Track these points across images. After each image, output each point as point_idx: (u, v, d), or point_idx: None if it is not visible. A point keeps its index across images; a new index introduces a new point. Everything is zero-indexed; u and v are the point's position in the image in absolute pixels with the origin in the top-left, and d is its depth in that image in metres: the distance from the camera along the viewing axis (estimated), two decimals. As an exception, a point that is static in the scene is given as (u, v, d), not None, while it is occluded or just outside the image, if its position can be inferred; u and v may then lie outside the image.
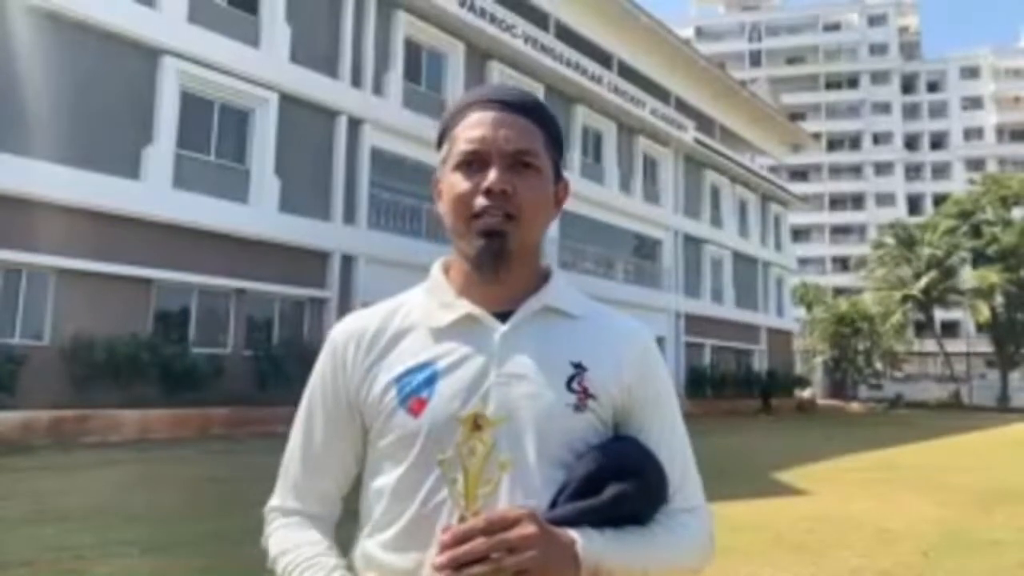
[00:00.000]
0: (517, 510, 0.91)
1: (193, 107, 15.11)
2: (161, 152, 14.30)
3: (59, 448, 11.16)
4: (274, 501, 1.13)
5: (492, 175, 1.03)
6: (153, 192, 13.96)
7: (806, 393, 39.11)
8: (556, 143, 1.13)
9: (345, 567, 1.04)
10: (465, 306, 1.07)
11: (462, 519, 0.90)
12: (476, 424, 0.91)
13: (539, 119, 1.10)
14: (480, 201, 1.03)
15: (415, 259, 17.56)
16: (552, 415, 1.01)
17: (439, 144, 1.13)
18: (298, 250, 16.32)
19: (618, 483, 0.97)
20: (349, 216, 17.52)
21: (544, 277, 1.13)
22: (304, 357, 15.80)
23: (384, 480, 1.05)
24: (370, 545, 1.04)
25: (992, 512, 8.53)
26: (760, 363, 34.25)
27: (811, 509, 8.34)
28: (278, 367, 14.97)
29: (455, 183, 1.06)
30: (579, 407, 1.02)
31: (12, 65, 12.48)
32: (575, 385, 1.03)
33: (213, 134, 15.61)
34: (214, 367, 14.30)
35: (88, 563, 5.16)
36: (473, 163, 1.05)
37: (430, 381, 1.03)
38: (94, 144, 13.28)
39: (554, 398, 1.02)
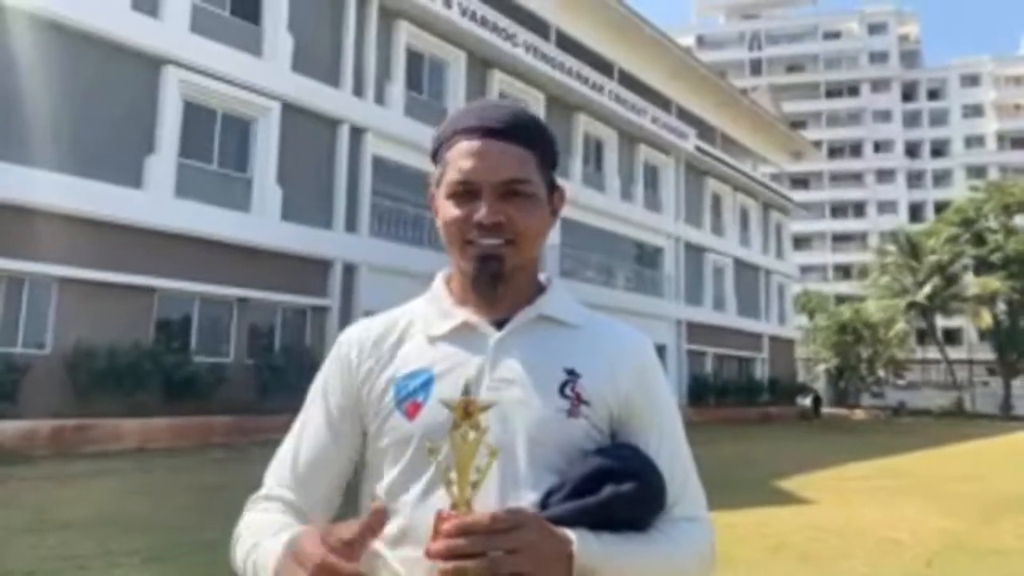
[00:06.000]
0: (522, 512, 0.91)
1: (195, 116, 15.14)
2: (163, 161, 14.32)
3: (60, 457, 11.15)
4: (261, 491, 1.13)
5: (483, 210, 1.04)
6: (155, 201, 13.98)
7: (808, 401, 39.01)
8: (548, 156, 1.13)
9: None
10: (462, 314, 1.09)
11: (454, 506, 0.89)
12: (467, 411, 0.91)
13: (529, 141, 1.09)
14: (473, 231, 1.05)
15: (417, 267, 17.60)
16: (544, 420, 1.02)
17: (433, 158, 1.15)
18: (300, 259, 16.32)
19: (615, 485, 0.96)
20: (351, 225, 17.54)
21: (542, 287, 1.15)
22: (306, 366, 15.78)
23: (379, 481, 1.07)
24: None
25: (996, 521, 8.50)
26: (762, 371, 34.17)
27: (815, 518, 8.32)
28: (280, 376, 14.96)
29: (448, 209, 1.07)
30: (572, 413, 1.03)
31: (15, 75, 12.51)
32: (568, 391, 1.04)
33: (215, 143, 15.64)
34: (216, 376, 14.29)
35: (91, 573, 5.15)
36: (465, 193, 1.06)
37: (426, 385, 1.05)
38: (96, 153, 13.31)
39: (546, 403, 1.03)
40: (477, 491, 0.90)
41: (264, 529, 1.03)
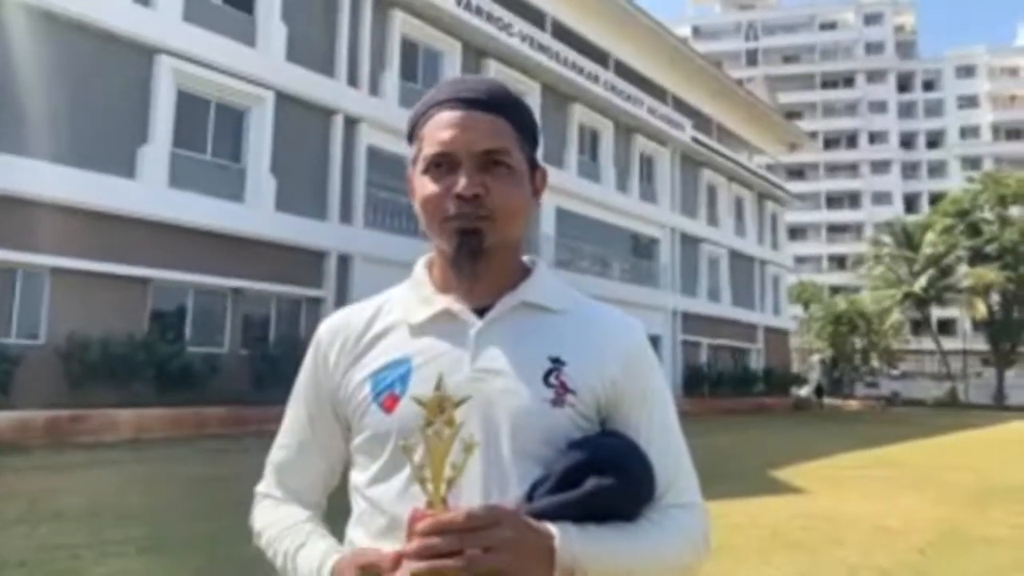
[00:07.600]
0: (499, 508, 0.88)
1: (189, 106, 15.07)
2: (157, 151, 14.26)
3: (54, 448, 11.13)
4: (260, 487, 1.17)
5: (462, 180, 1.00)
6: (149, 191, 13.92)
7: (803, 391, 39.14)
8: (529, 134, 1.09)
9: (324, 532, 1.07)
10: (443, 302, 1.06)
11: (429, 504, 0.87)
12: (441, 407, 0.88)
13: (508, 113, 1.06)
14: (452, 205, 1.01)
15: (412, 258, 17.30)
16: (528, 410, 0.99)
17: (409, 140, 1.11)
18: (294, 249, 16.29)
19: (599, 476, 0.93)
20: (345, 215, 17.49)
21: (526, 272, 1.11)
22: (300, 357, 15.45)
23: (362, 475, 1.05)
24: (354, 535, 1.05)
25: (989, 510, 8.55)
26: (757, 361, 34.28)
27: (808, 507, 8.35)
28: (274, 366, 14.94)
29: (426, 185, 1.04)
30: (557, 402, 1.00)
31: (8, 64, 12.43)
32: (552, 380, 1.01)
33: (209, 133, 15.57)
34: (210, 366, 14.27)
35: (84, 563, 5.14)
36: (442, 165, 1.02)
37: (404, 377, 1.02)
38: (90, 143, 13.24)
39: (530, 393, 0.99)
40: (453, 488, 0.87)
41: (288, 529, 1.08)
